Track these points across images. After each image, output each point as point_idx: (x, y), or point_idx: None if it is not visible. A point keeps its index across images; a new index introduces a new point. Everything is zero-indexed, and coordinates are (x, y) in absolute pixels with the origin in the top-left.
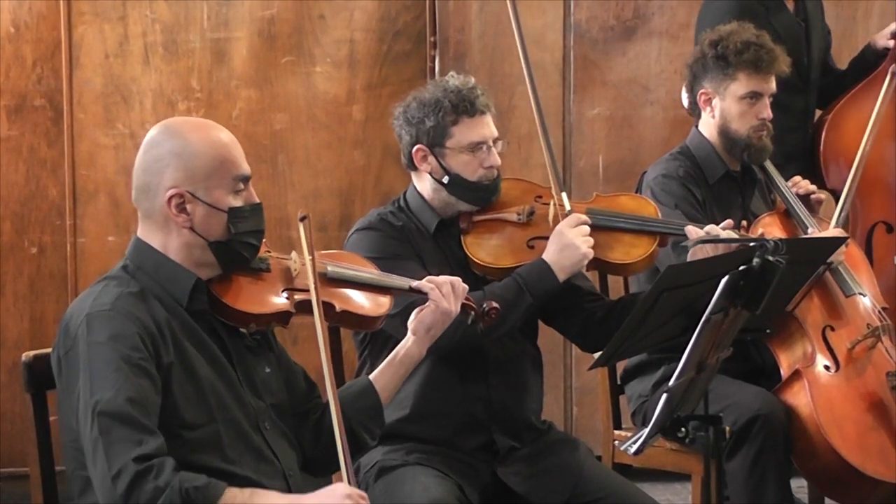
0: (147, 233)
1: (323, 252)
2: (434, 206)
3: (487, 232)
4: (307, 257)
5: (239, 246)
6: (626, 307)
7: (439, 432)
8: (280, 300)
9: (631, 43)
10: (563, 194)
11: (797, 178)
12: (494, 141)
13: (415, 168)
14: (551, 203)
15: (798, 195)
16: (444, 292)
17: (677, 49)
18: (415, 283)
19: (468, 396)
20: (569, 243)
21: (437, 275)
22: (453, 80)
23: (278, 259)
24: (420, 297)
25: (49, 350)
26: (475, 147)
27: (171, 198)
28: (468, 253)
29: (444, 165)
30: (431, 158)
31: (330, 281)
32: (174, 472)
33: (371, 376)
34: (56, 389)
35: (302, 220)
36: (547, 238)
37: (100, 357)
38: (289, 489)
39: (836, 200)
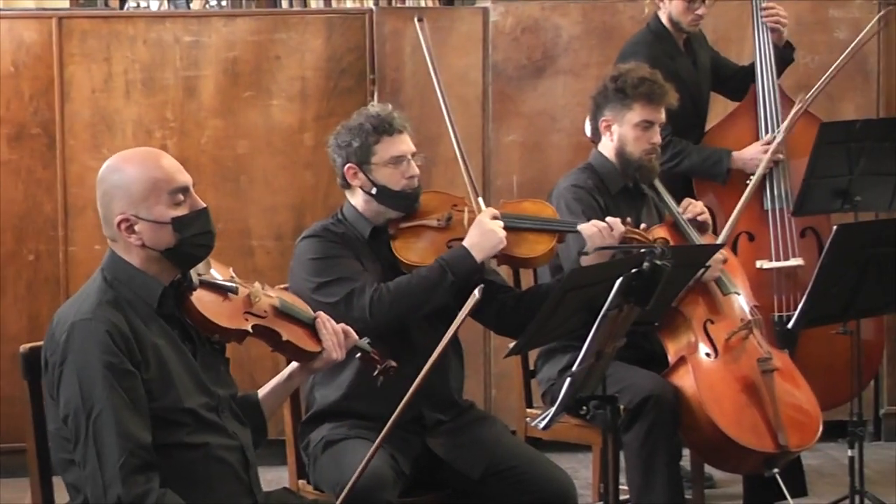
0: (116, 251)
1: (279, 287)
2: (367, 217)
3: (413, 237)
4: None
5: (189, 248)
6: (534, 296)
7: (376, 408)
8: (241, 320)
9: (541, 80)
10: (480, 199)
11: (686, 203)
12: (413, 155)
13: (348, 185)
14: (465, 209)
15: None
16: (333, 337)
17: (580, 85)
18: (317, 322)
19: (399, 376)
20: (488, 229)
21: (373, 273)
22: (373, 107)
23: (243, 286)
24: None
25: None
26: (396, 160)
27: (120, 223)
28: (397, 255)
29: (372, 179)
30: (361, 174)
31: (280, 313)
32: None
33: (260, 396)
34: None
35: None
36: (463, 239)
37: (87, 365)
38: (246, 461)
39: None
